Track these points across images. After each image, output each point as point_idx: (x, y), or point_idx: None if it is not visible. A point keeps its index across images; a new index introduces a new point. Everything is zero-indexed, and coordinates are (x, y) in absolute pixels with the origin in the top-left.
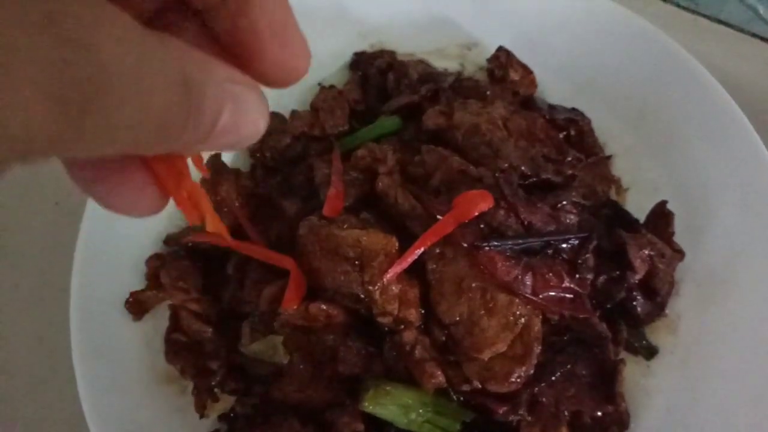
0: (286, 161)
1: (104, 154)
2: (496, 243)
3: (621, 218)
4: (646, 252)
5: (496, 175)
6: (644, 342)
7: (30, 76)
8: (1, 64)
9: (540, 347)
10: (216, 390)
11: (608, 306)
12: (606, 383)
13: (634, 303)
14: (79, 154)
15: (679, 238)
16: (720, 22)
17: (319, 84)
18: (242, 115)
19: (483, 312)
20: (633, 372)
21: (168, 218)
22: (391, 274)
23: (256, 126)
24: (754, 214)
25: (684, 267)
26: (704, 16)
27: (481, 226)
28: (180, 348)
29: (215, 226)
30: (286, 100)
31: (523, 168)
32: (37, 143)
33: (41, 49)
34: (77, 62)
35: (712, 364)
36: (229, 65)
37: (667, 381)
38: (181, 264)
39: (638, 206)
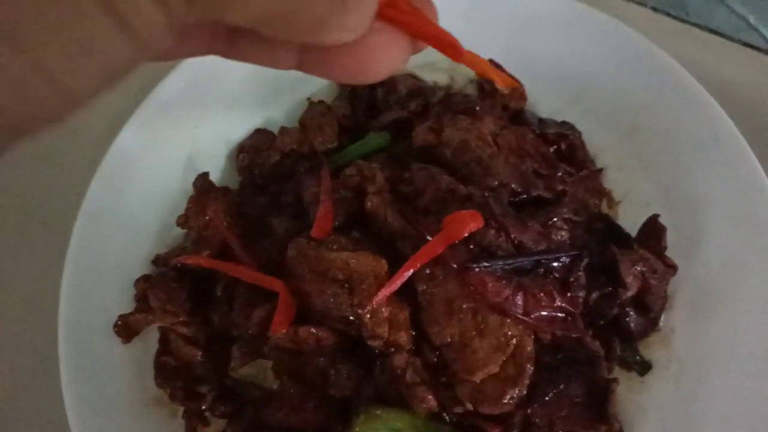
0: (275, 179)
1: (242, 19)
2: (486, 264)
3: (613, 233)
4: (638, 268)
5: (486, 194)
6: (638, 357)
7: None
8: None
9: (532, 367)
10: (206, 413)
11: (601, 322)
12: (599, 403)
13: (627, 319)
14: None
15: (672, 251)
16: (711, 30)
17: (308, 99)
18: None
19: (474, 333)
20: (627, 388)
21: (157, 238)
22: (380, 296)
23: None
24: (747, 227)
25: (677, 280)
26: (695, 25)
27: (471, 246)
28: (169, 371)
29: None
30: (275, 116)
31: (513, 185)
32: None
33: None
34: None
35: (707, 378)
36: None
37: (661, 397)
38: (169, 286)
39: (630, 219)
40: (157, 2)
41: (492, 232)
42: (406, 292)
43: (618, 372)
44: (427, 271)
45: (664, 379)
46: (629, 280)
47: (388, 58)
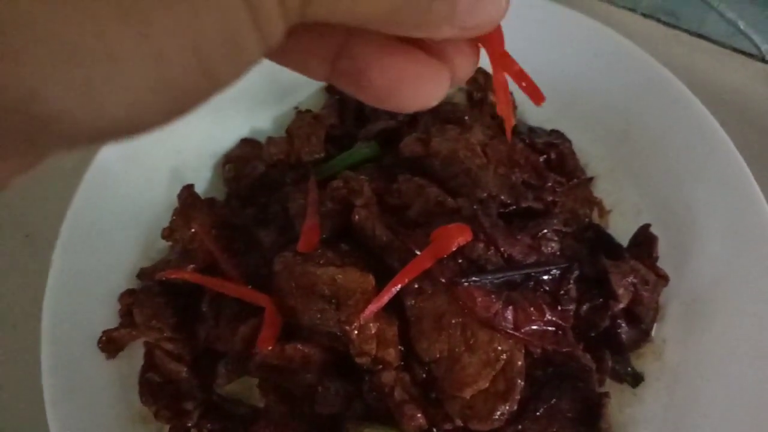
0: (262, 190)
1: (361, 17)
2: (475, 278)
3: (604, 243)
4: (630, 280)
5: (475, 207)
6: (629, 369)
7: None
8: None
9: (523, 382)
10: (193, 431)
11: (592, 334)
12: (591, 417)
13: (619, 330)
14: (350, 11)
15: (663, 260)
16: (701, 36)
17: (296, 108)
18: None
19: (463, 349)
20: (619, 401)
21: (141, 251)
22: (367, 312)
23: (500, 5)
24: (739, 235)
25: (669, 290)
26: (685, 30)
27: (460, 260)
28: (155, 388)
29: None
30: (262, 125)
31: (502, 197)
32: None
33: None
34: None
35: (700, 390)
36: None
37: (654, 409)
38: (154, 301)
39: (621, 229)
40: None
41: (481, 245)
42: (394, 307)
43: (610, 384)
44: (416, 286)
45: (657, 391)
46: (620, 292)
47: (423, 92)
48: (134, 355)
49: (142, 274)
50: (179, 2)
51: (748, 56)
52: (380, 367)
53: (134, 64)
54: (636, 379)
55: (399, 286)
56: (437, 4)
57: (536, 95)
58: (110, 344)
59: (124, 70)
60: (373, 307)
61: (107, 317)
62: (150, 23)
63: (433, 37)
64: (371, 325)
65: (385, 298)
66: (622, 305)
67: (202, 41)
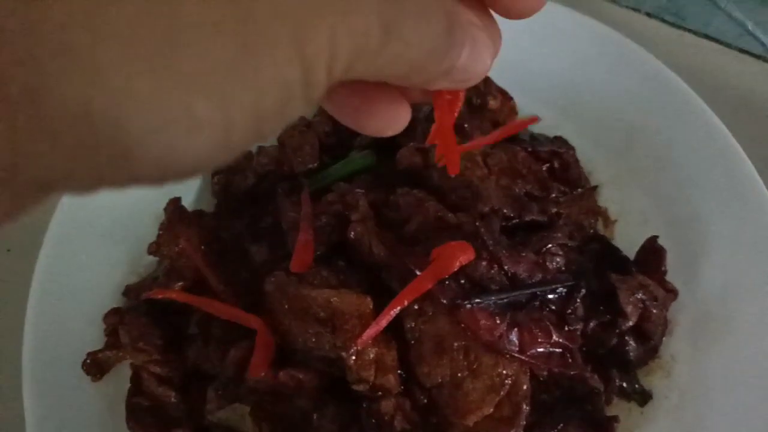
0: (252, 202)
1: (398, 71)
2: (478, 300)
3: (610, 256)
4: (638, 296)
5: (477, 224)
6: (637, 386)
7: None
8: None
9: (528, 407)
10: None
11: (599, 352)
12: None
13: (627, 348)
14: (387, 70)
15: (671, 272)
16: (707, 37)
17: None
18: (477, 54)
19: (466, 374)
20: (626, 420)
21: (128, 266)
22: (365, 337)
23: (486, 65)
24: (750, 246)
25: (677, 304)
26: (691, 31)
27: (462, 280)
28: (142, 413)
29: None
30: None
31: (505, 210)
32: (370, 49)
33: None
34: None
35: (710, 408)
36: (466, 7)
37: (662, 428)
38: (141, 321)
39: (627, 239)
40: (329, 59)
41: (484, 264)
42: (393, 329)
43: (617, 402)
44: (416, 307)
45: (666, 410)
46: (629, 309)
47: (384, 121)
48: (122, 376)
49: (128, 291)
50: (246, 70)
51: (757, 58)
52: (379, 394)
53: (210, 133)
54: (644, 398)
55: (398, 308)
56: (446, 62)
57: (453, 164)
58: (95, 366)
59: (200, 137)
60: (371, 332)
61: (92, 336)
62: (225, 96)
63: (428, 88)
64: (369, 350)
65: (384, 322)
66: (630, 323)
67: (261, 106)
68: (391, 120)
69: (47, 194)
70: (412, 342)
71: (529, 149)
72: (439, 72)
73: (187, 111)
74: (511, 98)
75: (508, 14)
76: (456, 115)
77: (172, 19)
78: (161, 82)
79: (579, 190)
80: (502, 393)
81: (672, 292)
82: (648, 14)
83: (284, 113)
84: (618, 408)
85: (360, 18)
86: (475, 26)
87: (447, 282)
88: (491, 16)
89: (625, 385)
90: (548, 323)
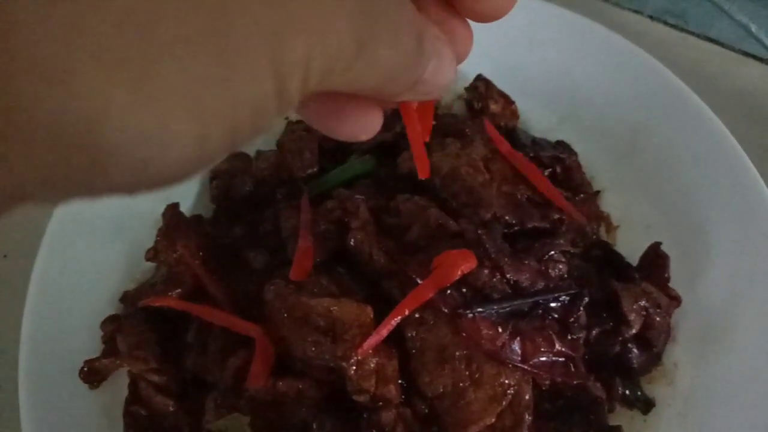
0: (252, 207)
1: (370, 83)
2: (480, 309)
3: (613, 263)
4: (641, 303)
5: (479, 231)
6: (639, 394)
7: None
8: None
9: (531, 417)
10: None
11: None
12: None
13: (630, 356)
14: (360, 82)
15: (674, 278)
16: (710, 40)
17: (286, 118)
18: (442, 69)
19: (468, 383)
20: (629, 428)
21: (126, 271)
22: (366, 347)
23: (449, 77)
24: (754, 253)
25: (680, 311)
26: (694, 34)
27: (464, 289)
28: (140, 422)
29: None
30: None
31: (507, 217)
32: (344, 62)
33: None
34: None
35: (714, 416)
36: (431, 23)
37: None
38: (138, 329)
39: (630, 245)
40: (304, 73)
41: (486, 272)
42: (394, 338)
43: (620, 410)
44: (417, 316)
45: (669, 418)
46: (632, 317)
47: (356, 127)
48: (119, 384)
49: (126, 298)
50: (223, 84)
51: (760, 61)
52: (380, 404)
53: (185, 146)
54: (647, 405)
55: (399, 318)
56: (413, 77)
57: (423, 170)
58: (92, 374)
59: (175, 151)
60: (371, 342)
61: (89, 344)
62: (202, 110)
63: (395, 100)
64: (370, 360)
65: (384, 331)
66: (633, 331)
67: (237, 118)
68: (363, 126)
69: (17, 204)
70: (413, 351)
71: (531, 154)
72: (406, 85)
73: (163, 125)
74: (512, 102)
75: (479, 18)
76: (429, 126)
77: (150, 33)
78: (136, 96)
79: (581, 195)
80: (504, 403)
81: (675, 300)
82: (651, 17)
83: (258, 125)
84: (621, 416)
85: (335, 36)
86: (440, 41)
87: (449, 291)
88: (463, 20)
89: (627, 392)
90: (551, 332)
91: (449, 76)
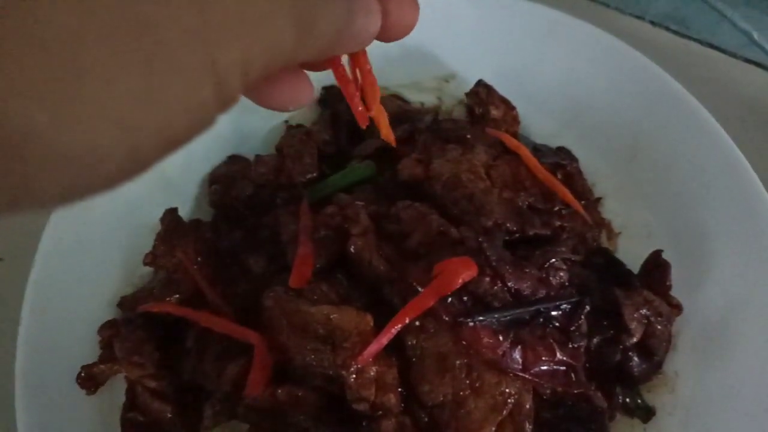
0: (251, 212)
1: (311, 56)
2: (480, 318)
3: (614, 270)
4: (642, 312)
5: (480, 239)
6: (640, 402)
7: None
8: None
9: (531, 426)
10: None
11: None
12: None
13: (630, 364)
14: (301, 58)
15: (675, 286)
16: (712, 47)
17: (286, 122)
18: (369, 21)
19: (469, 392)
20: None
21: (123, 276)
22: (365, 355)
23: (376, 28)
24: (755, 260)
25: (681, 319)
26: (696, 41)
27: (465, 298)
28: (138, 429)
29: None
30: (251, 141)
31: (508, 224)
32: (286, 50)
33: None
34: None
35: (714, 424)
36: None
37: None
38: (135, 335)
39: (631, 252)
40: (244, 67)
41: (487, 280)
42: (394, 346)
43: (620, 419)
44: (417, 323)
45: (669, 426)
46: (633, 325)
47: (289, 96)
48: (117, 390)
49: (123, 303)
50: (154, 97)
51: (762, 68)
52: (380, 413)
53: (114, 161)
54: (647, 414)
55: (399, 326)
56: (342, 39)
57: (361, 117)
58: (89, 380)
59: (103, 167)
60: (371, 350)
61: (86, 349)
62: (132, 124)
63: (330, 58)
64: (370, 368)
65: (384, 339)
66: (634, 339)
67: (172, 127)
68: (295, 94)
69: None
70: (414, 360)
71: None
72: (342, 46)
73: (90, 144)
74: (513, 108)
75: (385, 37)
76: (369, 68)
77: (75, 54)
78: (60, 119)
79: (583, 202)
80: (504, 412)
81: (676, 308)
82: (652, 23)
83: (197, 128)
84: (621, 424)
85: (274, 25)
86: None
87: (449, 299)
88: None
89: (628, 401)
90: (552, 340)
91: (376, 26)
